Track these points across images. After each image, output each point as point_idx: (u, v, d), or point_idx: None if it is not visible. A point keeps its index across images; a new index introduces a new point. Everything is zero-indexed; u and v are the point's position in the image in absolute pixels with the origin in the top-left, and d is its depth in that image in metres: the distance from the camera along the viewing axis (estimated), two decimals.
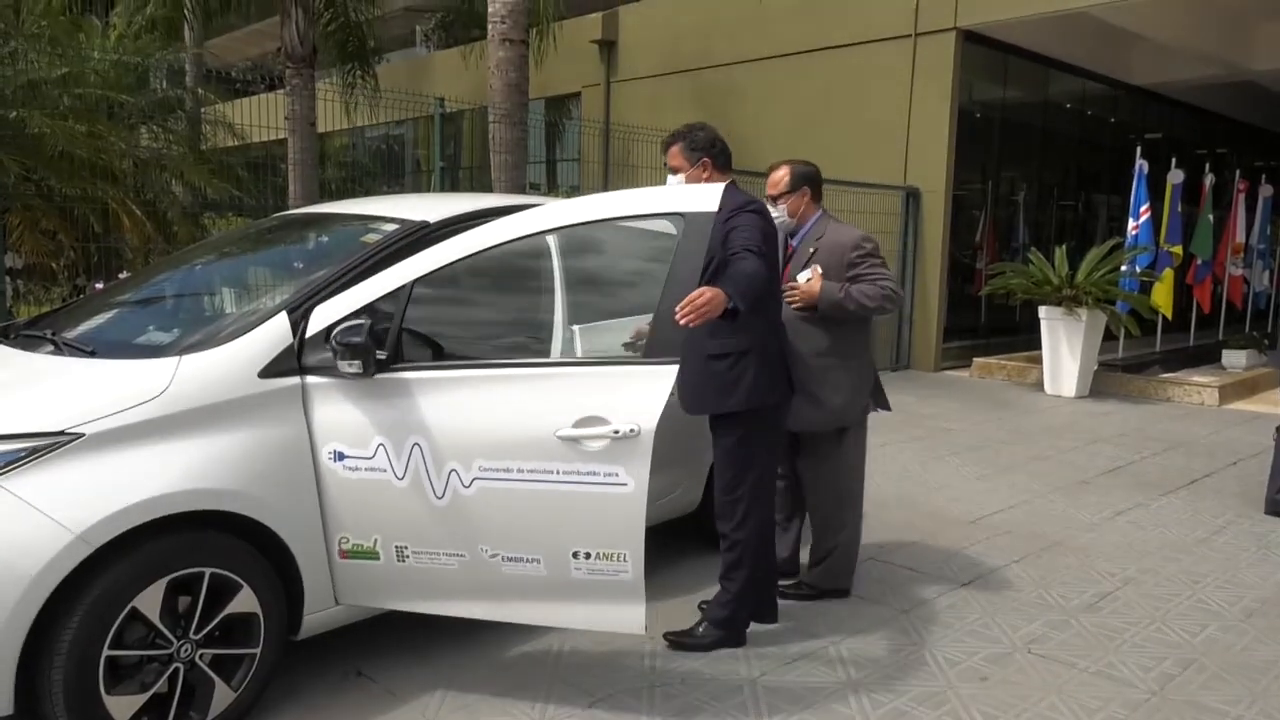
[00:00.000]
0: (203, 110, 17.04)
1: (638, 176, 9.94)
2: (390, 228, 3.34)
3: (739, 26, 12.30)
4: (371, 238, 3.30)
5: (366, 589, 2.96)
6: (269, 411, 2.81)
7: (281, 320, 2.90)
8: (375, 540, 2.89)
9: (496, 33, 9.27)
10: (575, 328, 3.50)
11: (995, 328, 12.10)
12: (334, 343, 2.76)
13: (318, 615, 2.98)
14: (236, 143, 14.42)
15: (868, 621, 3.76)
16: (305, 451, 2.86)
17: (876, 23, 10.92)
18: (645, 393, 2.67)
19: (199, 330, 2.97)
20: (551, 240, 3.25)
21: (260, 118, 12.60)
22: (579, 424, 2.68)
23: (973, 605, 3.95)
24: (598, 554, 2.72)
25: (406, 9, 21.68)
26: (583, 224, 2.91)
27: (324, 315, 2.90)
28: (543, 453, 2.69)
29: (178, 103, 10.91)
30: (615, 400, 2.68)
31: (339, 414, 2.86)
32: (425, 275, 2.87)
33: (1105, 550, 4.70)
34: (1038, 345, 9.79)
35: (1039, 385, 9.71)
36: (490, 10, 9.39)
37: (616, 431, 2.65)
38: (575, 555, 2.74)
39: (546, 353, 3.10)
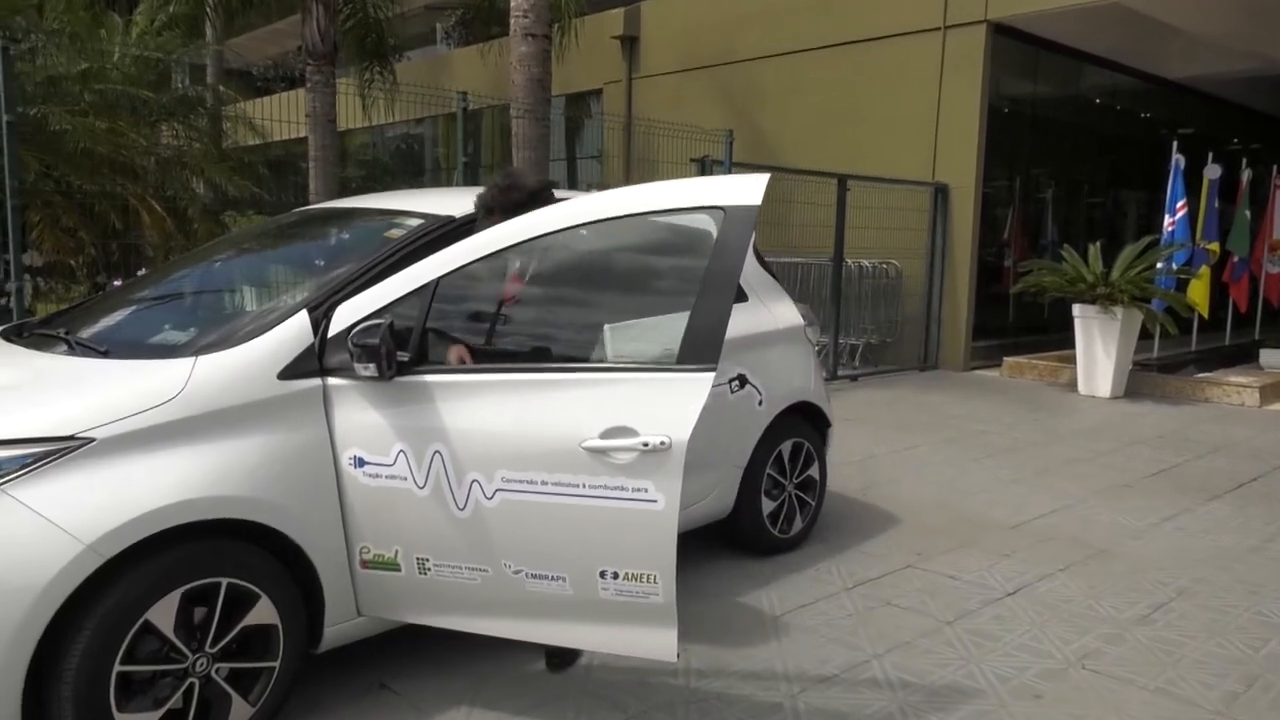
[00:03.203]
0: (224, 108, 17.05)
1: (660, 172, 9.80)
2: (415, 223, 3.21)
3: (763, 21, 12.12)
4: (395, 233, 3.17)
5: (388, 601, 2.82)
6: (289, 415, 2.68)
7: (302, 319, 2.77)
8: (396, 551, 2.75)
9: (519, 27, 9.14)
10: (606, 327, 3.35)
11: (1025, 326, 11.86)
12: (350, 344, 2.63)
13: (340, 627, 2.85)
14: (258, 141, 14.39)
15: (910, 633, 3.59)
16: (326, 457, 2.73)
17: (904, 16, 10.72)
18: (678, 402, 2.51)
19: (216, 329, 2.84)
20: (584, 235, 3.11)
21: (281, 115, 12.59)
22: (606, 434, 2.53)
23: (1020, 616, 3.77)
24: (626, 574, 2.57)
25: (427, 7, 21.60)
26: (614, 219, 2.75)
27: (347, 314, 2.77)
28: (568, 464, 2.54)
29: (199, 100, 10.82)
30: (645, 410, 2.52)
31: (360, 418, 2.73)
32: (449, 273, 2.72)
33: (1154, 558, 4.51)
34: (1069, 344, 9.56)
35: (1072, 385, 9.48)
36: (513, 4, 9.26)
37: (646, 444, 2.49)
38: (603, 575, 2.58)
39: (580, 354, 2.95)
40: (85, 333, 3.07)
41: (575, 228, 2.75)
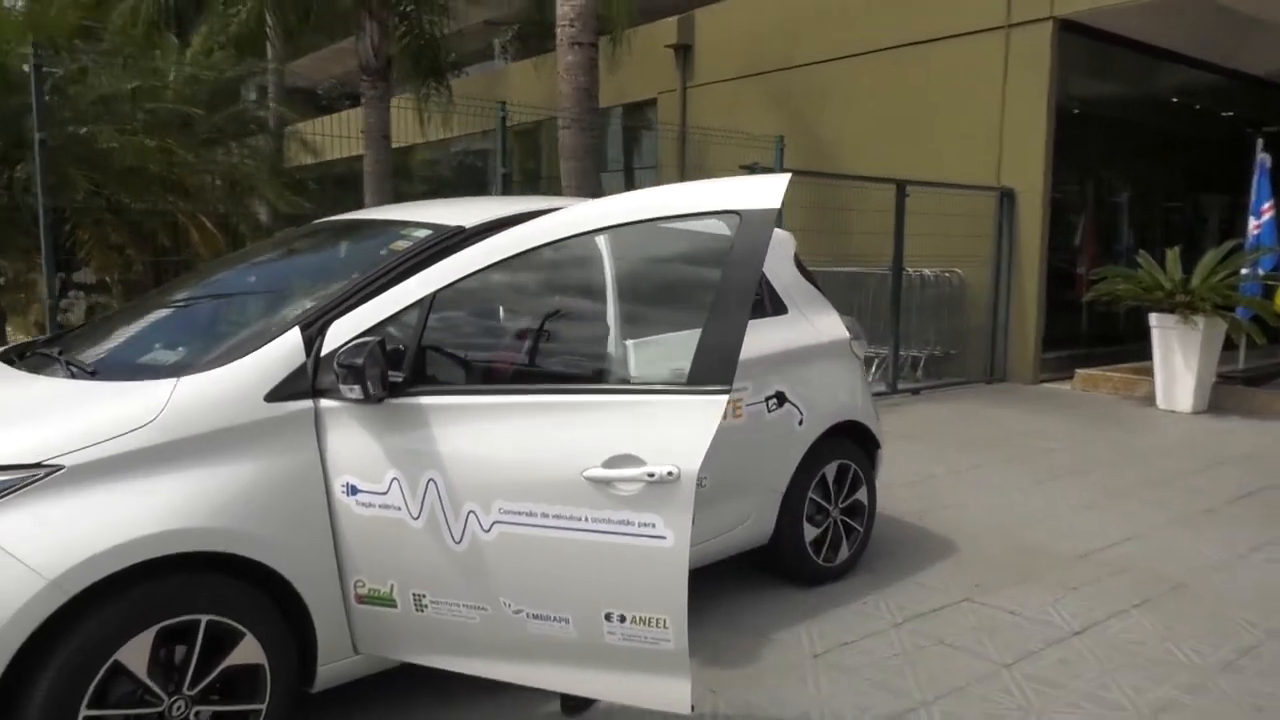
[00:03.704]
0: (287, 128, 17.32)
1: None
2: (422, 234, 3.02)
3: (821, 25, 11.80)
4: (401, 245, 2.99)
5: (385, 638, 2.62)
6: (277, 439, 2.51)
7: (293, 337, 2.59)
8: (391, 586, 2.55)
9: (565, 36, 9.01)
10: (629, 343, 3.13)
11: (1099, 336, 11.29)
12: (335, 364, 2.44)
13: (335, 666, 2.66)
14: (313, 159, 14.54)
15: (964, 677, 3.27)
16: (317, 484, 2.55)
17: (967, 15, 10.30)
18: (687, 428, 2.27)
19: (202, 349, 2.69)
20: (602, 242, 2.90)
21: (340, 132, 12.68)
22: (609, 463, 2.29)
23: (1088, 660, 3.42)
24: (634, 618, 2.32)
25: (486, 23, 21.77)
26: (621, 226, 2.52)
27: (341, 331, 2.59)
28: (569, 496, 2.32)
29: (254, 118, 10.92)
30: (651, 436, 2.29)
31: (353, 443, 2.54)
32: (446, 287, 2.52)
33: (1241, 595, 4.09)
34: (1146, 355, 9.03)
35: (1150, 399, 8.94)
36: (559, 13, 9.14)
37: (652, 474, 2.25)
38: (609, 618, 2.35)
39: (597, 372, 2.72)
40: (79, 353, 2.94)
41: (579, 236, 2.52)
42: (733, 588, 4.01)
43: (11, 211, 6.77)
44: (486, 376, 2.73)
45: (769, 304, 3.95)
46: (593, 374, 2.69)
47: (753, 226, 2.36)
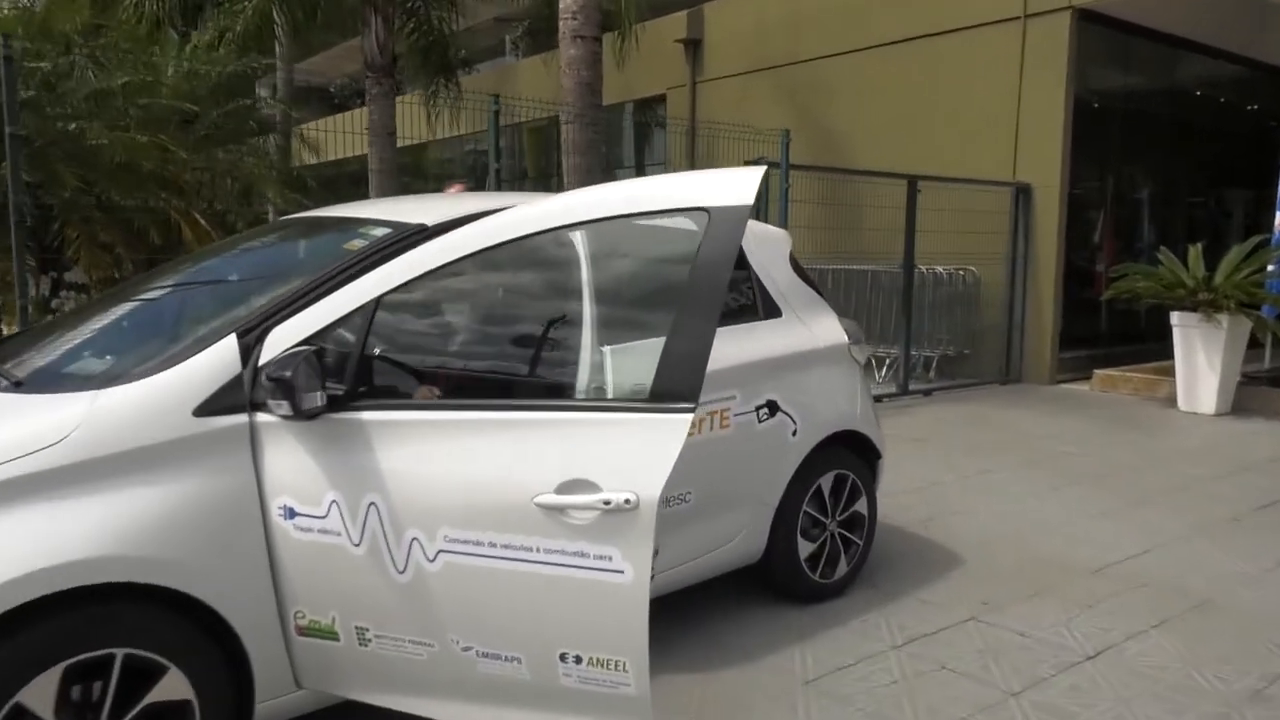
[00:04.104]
0: (299, 127, 17.20)
1: None
2: (381, 232, 2.81)
3: (831, 18, 11.53)
4: (357, 244, 2.77)
5: (328, 673, 2.42)
6: (208, 458, 2.30)
7: (228, 346, 2.38)
8: (333, 618, 2.34)
9: (568, 29, 8.79)
10: (607, 350, 2.92)
11: (1118, 336, 10.97)
12: (263, 377, 2.23)
13: (276, 702, 2.45)
14: (332, 157, 14.41)
15: (966, 707, 3.03)
16: (253, 506, 2.34)
17: (981, 5, 10.01)
18: (647, 450, 2.05)
19: (131, 359, 2.49)
20: (578, 239, 2.68)
21: (348, 130, 12.53)
22: (563, 489, 2.08)
23: (1103, 687, 3.17)
24: (591, 659, 2.11)
25: (496, 19, 21.59)
26: (576, 225, 2.30)
27: (280, 339, 2.38)
28: (519, 524, 2.10)
29: (255, 115, 10.77)
30: (608, 459, 2.07)
31: (292, 462, 2.33)
32: (391, 291, 2.31)
33: (1270, 613, 3.83)
34: (1167, 355, 8.72)
35: (1171, 400, 8.63)
36: (561, 6, 8.92)
37: (608, 502, 2.04)
38: (564, 658, 2.13)
39: (564, 384, 2.50)
40: (15, 361, 2.75)
41: (532, 236, 2.30)
42: (721, 605, 3.78)
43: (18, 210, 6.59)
44: (448, 387, 2.51)
45: (761, 306, 3.72)
46: (559, 386, 2.48)
47: (722, 225, 2.13)
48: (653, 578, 2.10)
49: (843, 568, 3.93)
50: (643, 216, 2.29)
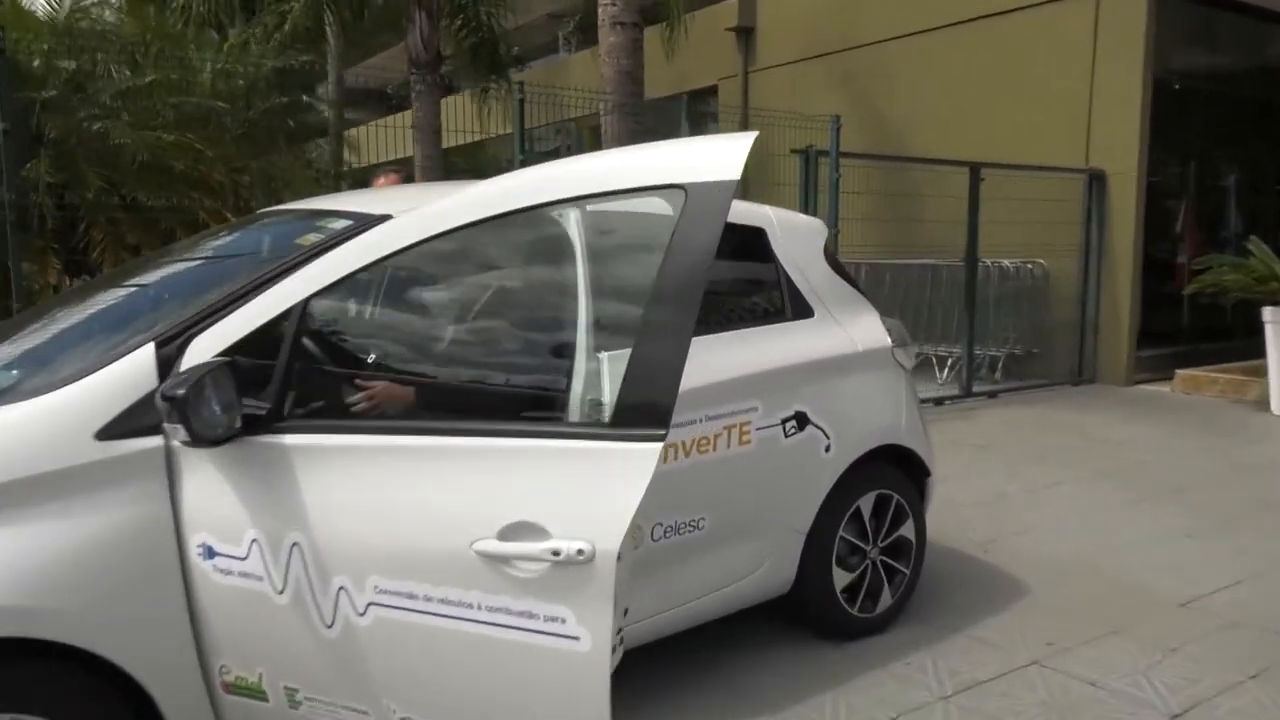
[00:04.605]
0: (349, 130, 17.16)
1: (781, 167, 8.73)
2: (340, 224, 2.45)
3: (889, 0, 10.96)
4: (312, 238, 2.43)
5: None
6: (112, 487, 1.97)
7: (143, 358, 2.05)
8: (260, 674, 2.00)
9: (606, 16, 8.43)
10: (604, 356, 2.53)
11: (1203, 333, 10.19)
12: (157, 396, 1.89)
13: None
14: (383, 158, 14.29)
15: None
16: (168, 544, 2.01)
17: None
18: (606, 489, 1.66)
19: (33, 372, 2.17)
20: (572, 221, 2.30)
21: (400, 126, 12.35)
22: (506, 534, 1.69)
23: None
24: None
25: (549, 15, 21.38)
26: (525, 211, 1.91)
27: (202, 349, 2.04)
28: (458, 575, 1.73)
29: (288, 111, 10.64)
30: (558, 499, 1.69)
31: (211, 492, 1.99)
32: (322, 291, 1.95)
33: None
34: (1257, 353, 8.01)
35: (1262, 403, 7.92)
36: None
37: (556, 552, 1.65)
38: None
39: (518, 404, 2.12)
40: None
41: (473, 225, 1.92)
42: (745, 641, 3.37)
43: (23, 211, 6.45)
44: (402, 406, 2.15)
45: (788, 305, 3.29)
46: (507, 405, 2.10)
47: (702, 206, 1.72)
48: (620, 642, 1.71)
49: (886, 600, 3.48)
50: (604, 198, 1.89)
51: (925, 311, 9.30)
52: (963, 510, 4.96)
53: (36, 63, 6.92)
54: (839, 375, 3.31)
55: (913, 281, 9.52)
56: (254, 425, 1.95)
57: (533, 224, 2.29)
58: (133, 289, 2.59)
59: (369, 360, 2.27)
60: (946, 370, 9.26)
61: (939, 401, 8.30)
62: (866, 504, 3.40)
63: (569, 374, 2.17)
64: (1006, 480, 5.67)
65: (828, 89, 11.62)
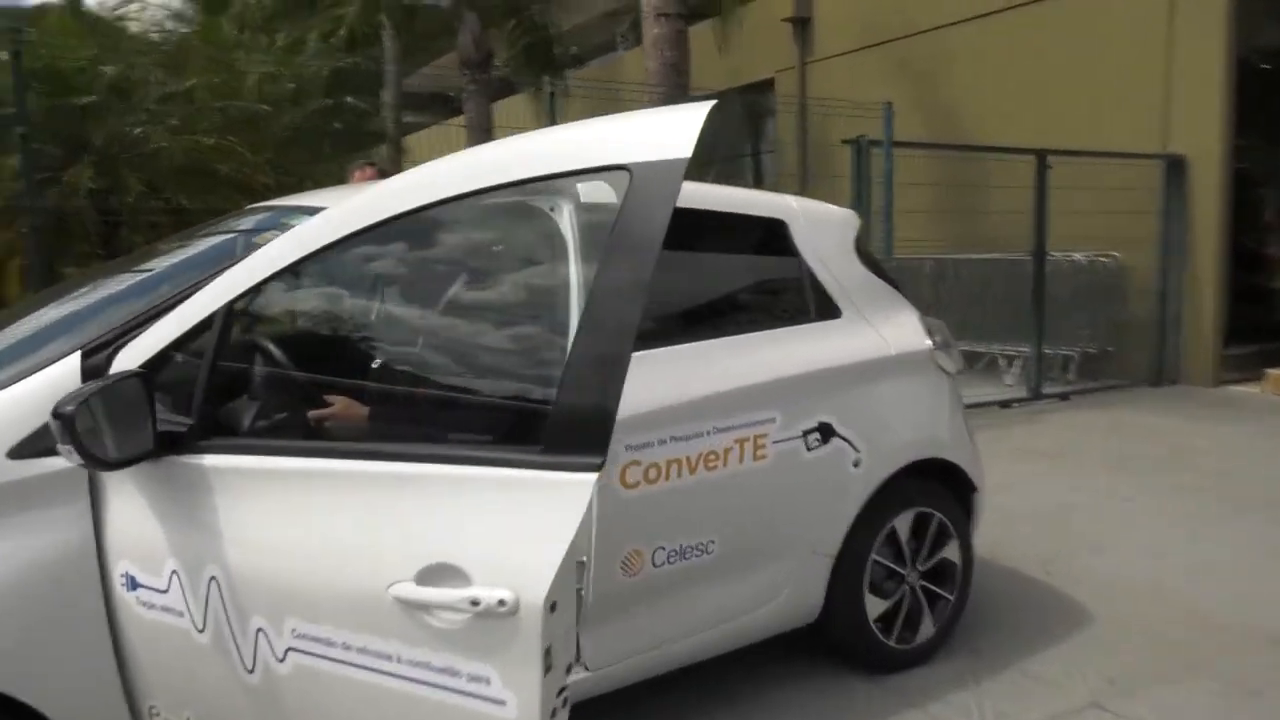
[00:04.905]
0: (407, 137, 17.24)
1: (840, 158, 8.36)
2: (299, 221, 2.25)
3: None
4: (268, 237, 2.22)
5: None
6: (28, 510, 1.78)
7: (67, 369, 1.86)
8: (187, 719, 1.79)
9: (650, 7, 8.21)
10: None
11: None
12: (50, 416, 1.68)
13: None
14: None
15: None
16: (91, 572, 1.81)
17: None
18: (532, 527, 1.40)
19: None
20: (566, 214, 2.06)
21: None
22: (424, 577, 1.45)
23: None
24: None
25: (605, 14, 21.23)
26: (450, 201, 1.65)
27: (129, 360, 1.84)
28: (376, 622, 1.50)
29: (336, 114, 10.64)
30: (480, 537, 1.44)
31: (135, 516, 1.79)
32: (244, 294, 1.74)
33: None
34: None
35: None
36: None
37: (475, 602, 1.39)
38: None
39: (447, 422, 1.88)
40: None
41: (394, 220, 1.67)
42: (767, 673, 3.07)
43: (67, 217, 6.48)
44: (303, 427, 1.93)
45: (813, 305, 2.98)
46: (436, 424, 1.85)
47: (648, 189, 1.45)
48: (564, 704, 1.45)
49: (927, 629, 3.15)
50: (538, 184, 1.62)
51: (991, 308, 8.82)
52: (1022, 524, 4.57)
53: (80, 67, 6.94)
54: (870, 381, 2.99)
55: (977, 276, 9.05)
56: (176, 444, 1.74)
57: (508, 215, 2.05)
58: (84, 293, 2.42)
59: (301, 372, 2.05)
60: (1014, 370, 8.78)
61: (1005, 404, 7.84)
62: (904, 524, 3.07)
63: (459, 392, 1.92)
64: (1073, 491, 5.24)
65: (887, 78, 11.17)
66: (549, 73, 15.01)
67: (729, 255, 2.99)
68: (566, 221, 2.39)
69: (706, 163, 15.56)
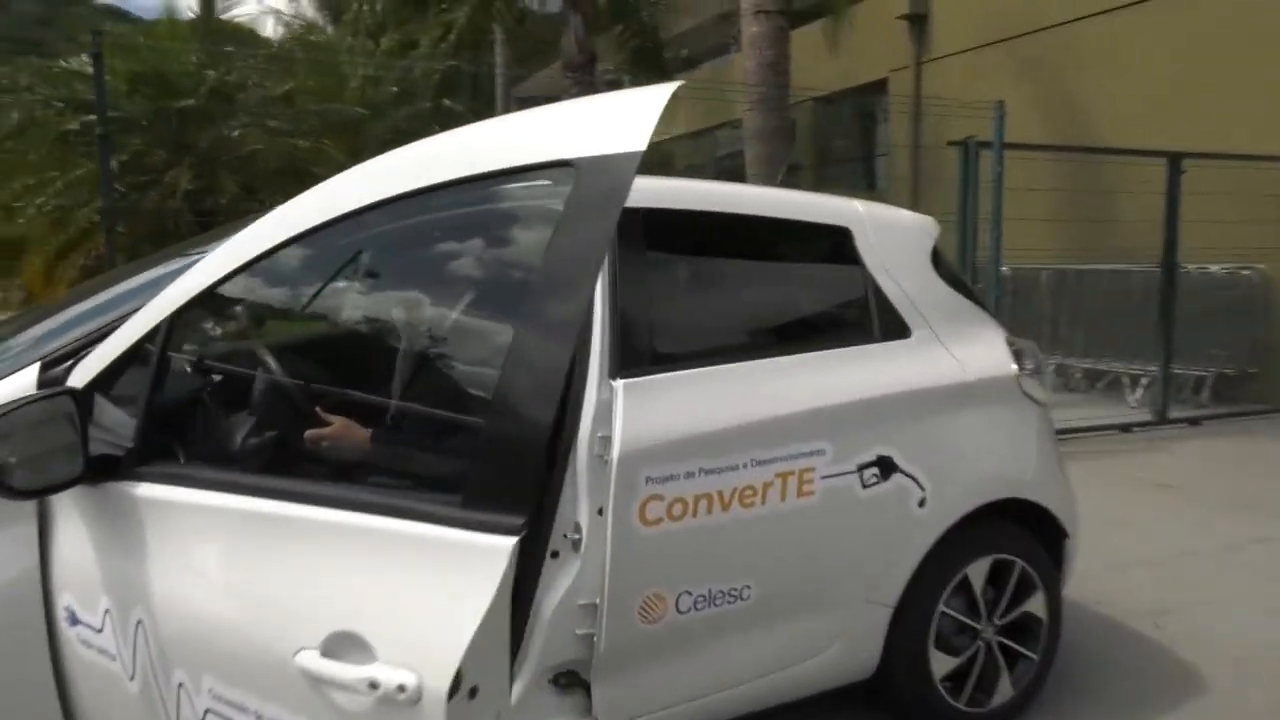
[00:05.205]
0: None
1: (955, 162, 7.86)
2: None
3: None
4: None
5: None
6: None
7: (22, 382, 1.73)
8: None
9: (749, 5, 7.90)
10: (619, 384, 2.07)
11: None
12: None
13: None
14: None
15: None
16: (35, 603, 1.68)
17: None
18: (445, 597, 1.16)
19: None
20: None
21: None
22: (329, 646, 1.24)
23: None
24: None
25: (719, 16, 20.99)
26: (379, 207, 1.44)
27: (83, 375, 1.70)
28: (281, 692, 1.32)
29: (435, 116, 10.72)
30: (392, 604, 1.21)
31: (78, 545, 1.65)
32: (183, 309, 1.57)
33: None
34: None
35: None
36: None
37: (375, 685, 1.17)
38: None
39: (366, 464, 1.67)
40: None
41: (315, 231, 1.47)
42: None
43: (165, 217, 6.65)
44: (251, 455, 1.74)
45: (877, 323, 2.65)
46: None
47: (595, 187, 1.19)
48: None
49: (1004, 691, 2.78)
50: (476, 186, 1.38)
51: (1115, 323, 8.16)
52: (1133, 570, 4.09)
53: (186, 72, 7.13)
54: (942, 410, 2.65)
55: (1100, 289, 8.40)
56: (115, 469, 1.59)
57: (510, 213, 1.83)
58: (90, 297, 2.32)
59: (257, 392, 1.87)
60: (1139, 391, 8.09)
61: (1125, 428, 7.21)
62: (978, 572, 2.71)
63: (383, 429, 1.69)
64: (1196, 532, 4.69)
65: (1009, 77, 10.53)
66: (658, 75, 14.87)
67: (781, 265, 2.71)
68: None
69: (812, 167, 15.13)
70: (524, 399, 1.16)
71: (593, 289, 1.20)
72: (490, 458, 1.16)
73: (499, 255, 1.68)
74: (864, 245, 2.68)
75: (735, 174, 20.50)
